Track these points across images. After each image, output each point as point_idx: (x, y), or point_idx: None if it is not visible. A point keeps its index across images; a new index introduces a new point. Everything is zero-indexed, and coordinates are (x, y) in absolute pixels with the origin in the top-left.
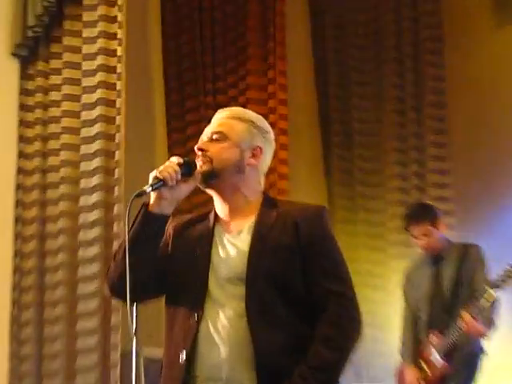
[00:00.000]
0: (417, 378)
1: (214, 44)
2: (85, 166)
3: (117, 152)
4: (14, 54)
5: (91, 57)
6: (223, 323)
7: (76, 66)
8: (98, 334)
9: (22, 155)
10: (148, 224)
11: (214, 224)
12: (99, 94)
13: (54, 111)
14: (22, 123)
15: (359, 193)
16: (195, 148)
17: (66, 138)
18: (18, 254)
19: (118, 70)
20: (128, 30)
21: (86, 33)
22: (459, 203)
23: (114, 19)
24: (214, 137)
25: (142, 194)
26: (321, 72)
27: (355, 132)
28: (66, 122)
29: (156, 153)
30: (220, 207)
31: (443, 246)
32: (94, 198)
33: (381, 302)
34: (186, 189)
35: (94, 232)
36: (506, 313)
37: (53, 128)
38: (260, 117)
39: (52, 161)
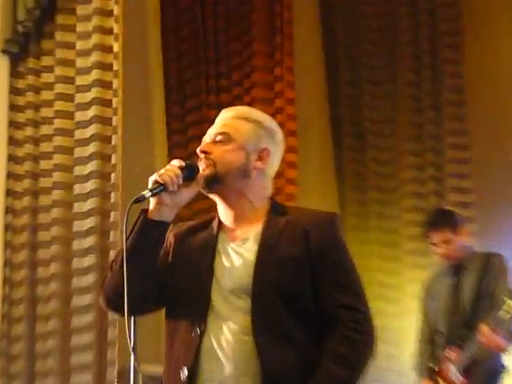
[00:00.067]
0: None
1: (217, 39)
2: (79, 171)
3: (113, 155)
4: (4, 51)
5: (86, 53)
6: (227, 338)
7: (69, 63)
8: (94, 350)
9: (11, 159)
10: (147, 232)
11: (218, 232)
12: (94, 93)
13: (46, 112)
14: (12, 124)
15: (372, 198)
16: (197, 150)
17: (58, 141)
18: (8, 265)
19: (115, 68)
20: (125, 24)
21: (80, 27)
22: (480, 209)
23: (110, 13)
24: (218, 138)
25: (141, 199)
26: (331, 69)
27: (368, 133)
28: (58, 123)
29: (155, 156)
30: (224, 214)
31: (464, 254)
32: (89, 204)
33: (395, 315)
34: (187, 194)
35: (89, 241)
36: None
37: (45, 130)
38: (267, 116)
39: (44, 165)
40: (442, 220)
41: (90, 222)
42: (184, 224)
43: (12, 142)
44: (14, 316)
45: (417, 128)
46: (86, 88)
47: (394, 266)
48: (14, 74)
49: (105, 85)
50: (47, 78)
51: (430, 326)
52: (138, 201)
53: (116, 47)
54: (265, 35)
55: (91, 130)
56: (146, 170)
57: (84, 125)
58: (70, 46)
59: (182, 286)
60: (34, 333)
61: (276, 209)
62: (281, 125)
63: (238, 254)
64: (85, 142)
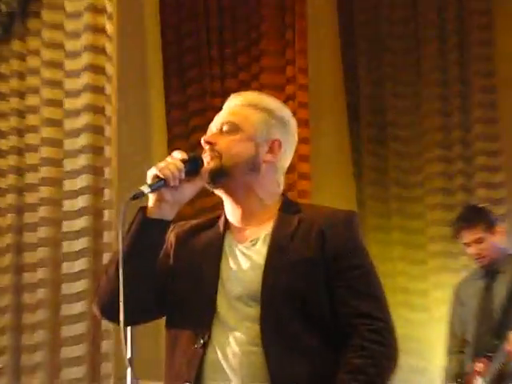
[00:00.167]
0: None
1: (222, 20)
2: (69, 165)
3: (107, 148)
4: None
5: (76, 35)
6: (234, 350)
7: (58, 45)
8: (86, 364)
9: None
10: (146, 232)
11: (224, 231)
12: (86, 78)
13: (33, 100)
14: None
15: (394, 194)
16: (202, 141)
17: (46, 132)
18: None
19: (108, 51)
20: (119, 2)
21: (70, 6)
22: None
23: None
24: (225, 128)
25: (139, 196)
26: (348, 52)
27: (389, 123)
28: (46, 112)
29: (153, 148)
30: (231, 212)
31: (498, 256)
32: (81, 202)
33: (420, 324)
34: (190, 189)
35: (81, 243)
36: None
37: (31, 120)
38: (280, 104)
39: (30, 158)
40: (475, 217)
41: (81, 222)
42: (186, 223)
43: None
44: None
45: (443, 117)
46: (77, 73)
47: (419, 269)
48: None
49: (97, 70)
50: (33, 62)
51: (457, 336)
52: (135, 197)
53: (109, 28)
54: (275, 14)
55: (82, 120)
56: (143, 163)
57: (74, 114)
58: (59, 26)
59: (184, 291)
60: (20, 345)
61: (288, 206)
62: (292, 113)
63: (246, 257)
64: (75, 134)
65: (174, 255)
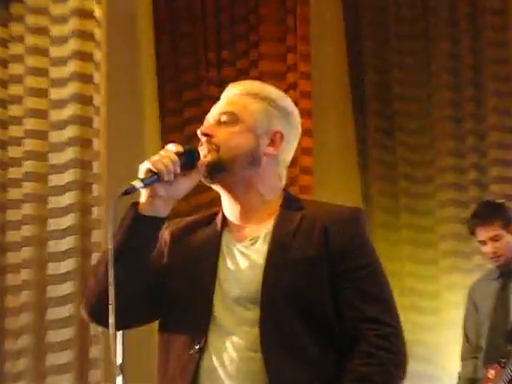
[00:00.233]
0: None
1: (219, 4)
2: (55, 158)
3: (95, 140)
4: None
5: (62, 20)
6: (231, 355)
7: (43, 31)
8: (74, 370)
9: None
10: (138, 229)
11: (222, 229)
12: (73, 66)
13: (16, 89)
14: None
15: (403, 190)
16: (198, 132)
17: (30, 123)
18: None
19: (97, 36)
20: None
21: None
22: None
23: None
24: (223, 118)
25: (131, 191)
26: (353, 38)
27: (397, 113)
28: (30, 102)
29: (145, 140)
30: (229, 208)
31: None
32: (67, 198)
33: (431, 328)
34: (186, 185)
35: (68, 242)
36: None
37: (14, 110)
38: (282, 93)
39: (13, 152)
40: (492, 214)
41: (68, 220)
42: (182, 220)
43: None
44: None
45: (455, 107)
46: (63, 61)
47: (428, 269)
48: None
49: (85, 57)
50: (16, 49)
51: (472, 341)
52: (126, 193)
53: (98, 12)
54: None
55: (69, 110)
56: (135, 157)
57: (60, 105)
58: (44, 10)
59: (178, 293)
60: (2, 351)
61: (290, 203)
62: (293, 103)
63: (244, 256)
64: (61, 125)
65: (169, 254)
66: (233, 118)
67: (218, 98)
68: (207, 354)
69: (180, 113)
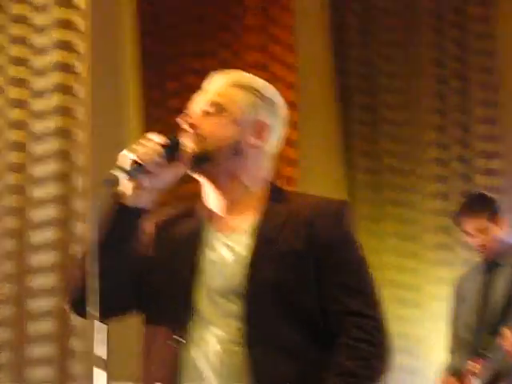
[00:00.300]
0: None
1: None
2: (34, 149)
3: (77, 130)
4: None
5: (44, 8)
6: (214, 349)
7: (24, 19)
8: (54, 365)
9: None
10: (122, 221)
11: (205, 221)
12: (55, 55)
13: None
14: None
15: (387, 182)
16: (182, 123)
17: (10, 113)
18: None
19: (80, 26)
20: None
21: None
22: None
23: None
24: (209, 109)
25: (114, 182)
26: (338, 29)
27: (383, 105)
28: (11, 91)
29: (129, 131)
30: (213, 199)
31: (500, 248)
32: (47, 189)
33: (413, 320)
34: (170, 175)
35: (47, 234)
36: None
37: None
38: (268, 84)
39: None
40: (479, 205)
41: (47, 211)
42: (165, 211)
43: None
44: None
45: (440, 99)
46: (45, 50)
47: (413, 262)
48: None
49: (68, 46)
50: None
51: (458, 335)
52: (109, 184)
53: (82, 2)
54: None
55: (51, 100)
56: (118, 147)
57: (42, 94)
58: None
59: (160, 284)
60: None
61: (276, 194)
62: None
63: (228, 248)
64: (42, 115)
65: (152, 245)
66: (219, 109)
67: (200, 88)
68: (191, 346)
69: (163, 103)
